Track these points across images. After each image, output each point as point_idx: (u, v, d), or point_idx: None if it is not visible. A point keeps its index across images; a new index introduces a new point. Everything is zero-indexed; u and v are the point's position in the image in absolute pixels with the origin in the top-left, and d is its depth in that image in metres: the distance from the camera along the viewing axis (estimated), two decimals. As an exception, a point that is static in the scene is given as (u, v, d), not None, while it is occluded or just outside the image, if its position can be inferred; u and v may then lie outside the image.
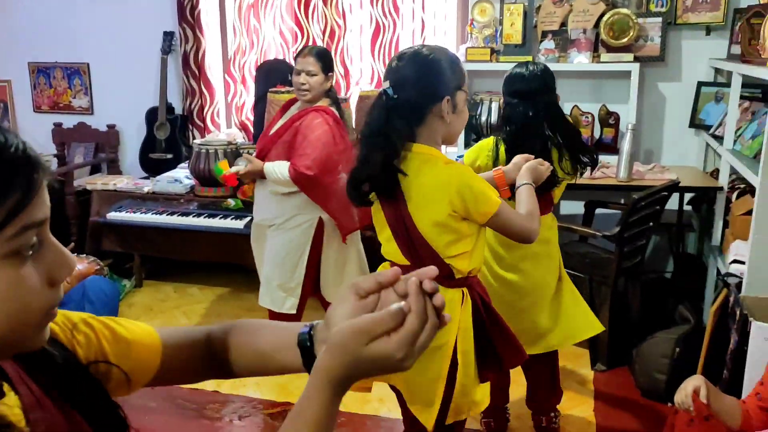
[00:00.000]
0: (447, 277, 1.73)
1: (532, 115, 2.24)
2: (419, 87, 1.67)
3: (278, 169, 2.69)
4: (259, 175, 2.75)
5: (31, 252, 0.59)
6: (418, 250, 1.72)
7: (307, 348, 0.78)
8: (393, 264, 1.77)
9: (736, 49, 3.27)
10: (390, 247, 1.79)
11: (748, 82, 3.15)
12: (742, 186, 3.08)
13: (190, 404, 2.83)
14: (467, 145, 3.87)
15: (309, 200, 2.75)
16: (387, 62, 4.12)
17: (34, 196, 0.58)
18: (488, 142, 2.34)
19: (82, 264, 3.63)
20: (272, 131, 2.84)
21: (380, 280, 0.70)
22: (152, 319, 3.66)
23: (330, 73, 2.77)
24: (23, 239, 0.58)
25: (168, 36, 4.38)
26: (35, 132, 4.70)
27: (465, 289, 1.76)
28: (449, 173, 1.70)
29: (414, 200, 1.70)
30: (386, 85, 1.68)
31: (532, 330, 2.33)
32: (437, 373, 1.73)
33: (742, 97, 3.21)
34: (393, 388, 1.87)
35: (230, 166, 3.04)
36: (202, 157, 3.82)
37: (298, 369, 0.80)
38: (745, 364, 2.31)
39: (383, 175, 1.69)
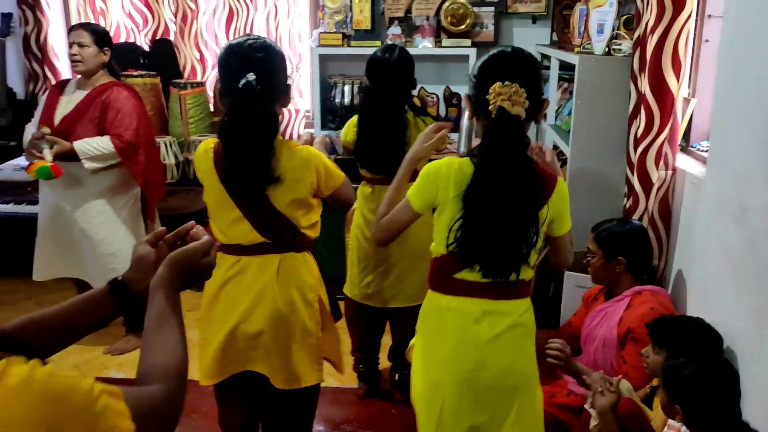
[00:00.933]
0: (305, 243, 1.93)
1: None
2: (274, 76, 1.78)
3: (95, 144, 2.75)
4: (68, 155, 2.73)
5: None
6: (276, 227, 1.85)
7: (123, 290, 1.04)
8: (240, 245, 1.85)
9: (556, 37, 3.69)
10: (238, 229, 1.84)
11: (566, 66, 3.57)
12: (564, 158, 3.50)
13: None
14: (323, 126, 4.05)
15: (124, 178, 2.89)
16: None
17: None
18: (353, 120, 2.63)
19: None
20: (61, 113, 2.84)
21: (177, 232, 1.10)
22: (3, 312, 3.52)
23: (105, 48, 2.85)
24: None
25: (6, 17, 4.15)
26: None
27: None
28: (307, 154, 1.85)
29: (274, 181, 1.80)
30: (251, 77, 1.70)
31: (395, 285, 2.61)
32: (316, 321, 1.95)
33: (561, 79, 3.62)
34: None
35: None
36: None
37: (107, 317, 1.04)
38: (560, 308, 2.70)
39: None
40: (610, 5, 2.78)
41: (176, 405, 0.90)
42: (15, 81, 4.25)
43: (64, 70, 4.30)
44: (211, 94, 4.19)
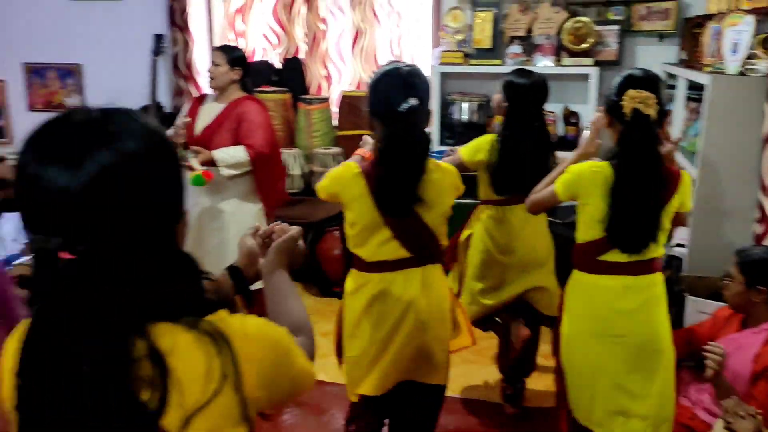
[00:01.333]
0: (441, 254, 2.05)
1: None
2: (427, 100, 1.93)
3: (232, 152, 2.99)
4: (206, 163, 2.98)
5: None
6: (423, 242, 1.96)
7: (240, 274, 1.23)
8: (385, 261, 1.94)
9: (685, 55, 3.60)
10: (388, 248, 1.92)
11: (694, 86, 3.47)
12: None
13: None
14: (442, 142, 4.15)
15: (252, 187, 3.11)
16: (367, 64, 4.41)
17: None
18: (486, 141, 2.65)
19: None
20: (202, 124, 3.11)
21: (270, 229, 1.27)
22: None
23: (236, 68, 3.11)
24: None
25: (158, 38, 4.60)
26: (29, 129, 4.89)
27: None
28: (447, 170, 1.99)
29: (425, 199, 1.91)
30: (413, 101, 1.82)
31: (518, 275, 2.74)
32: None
33: (689, 99, 3.52)
34: None
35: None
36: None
37: (228, 299, 1.20)
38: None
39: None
40: (747, 24, 2.70)
41: (314, 351, 1.13)
42: (164, 95, 4.69)
43: (205, 86, 4.69)
44: (335, 109, 4.42)
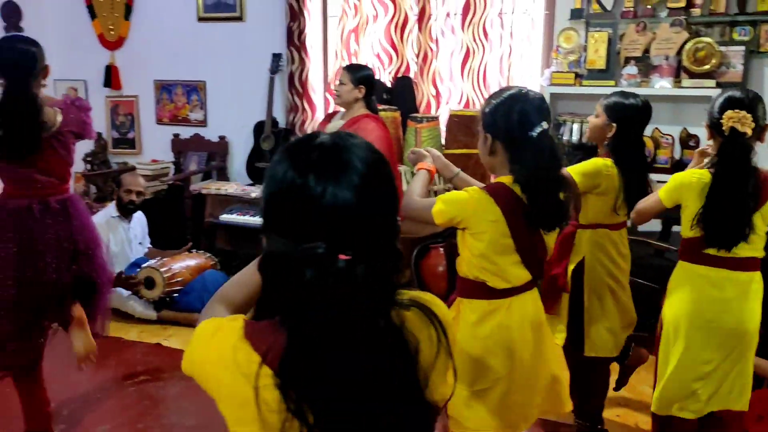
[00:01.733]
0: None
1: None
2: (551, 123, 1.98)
3: None
4: None
5: None
6: (543, 264, 1.99)
7: None
8: (513, 287, 1.94)
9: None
10: (515, 272, 1.92)
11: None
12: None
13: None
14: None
15: None
16: (477, 84, 4.45)
17: None
18: (600, 163, 2.56)
19: (200, 259, 4.11)
20: None
21: None
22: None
23: (360, 86, 3.30)
24: None
25: (276, 57, 4.85)
26: (157, 141, 5.29)
27: None
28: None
29: None
30: (545, 125, 1.86)
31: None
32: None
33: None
34: None
35: None
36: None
37: None
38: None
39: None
40: None
41: None
42: (279, 111, 4.93)
43: (319, 104, 4.89)
44: (443, 128, 4.48)
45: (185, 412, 3.05)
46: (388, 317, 0.94)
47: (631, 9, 3.96)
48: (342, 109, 3.53)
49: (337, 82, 3.33)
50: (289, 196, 0.91)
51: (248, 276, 1.22)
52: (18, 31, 5.30)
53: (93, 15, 5.36)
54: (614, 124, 2.56)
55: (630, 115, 2.56)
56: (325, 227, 0.89)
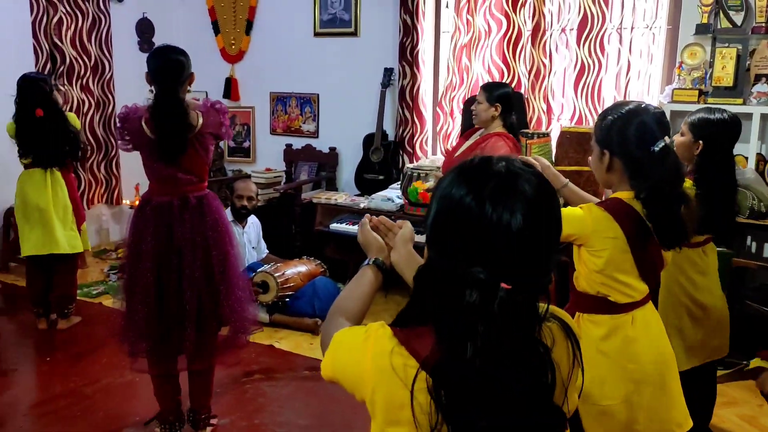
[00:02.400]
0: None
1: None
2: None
3: None
4: None
5: None
6: (660, 277, 1.98)
7: (385, 267, 1.38)
8: (635, 301, 1.92)
9: None
10: (636, 286, 1.89)
11: None
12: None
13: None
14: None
15: None
16: (591, 100, 4.37)
17: None
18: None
19: (311, 266, 4.25)
20: (457, 153, 3.40)
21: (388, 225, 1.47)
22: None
23: (496, 104, 3.36)
24: None
25: (388, 72, 4.96)
26: (270, 151, 5.53)
27: None
28: None
29: None
30: (667, 140, 1.85)
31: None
32: None
33: None
34: None
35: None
36: (414, 179, 4.31)
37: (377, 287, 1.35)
38: None
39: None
40: None
41: None
42: (388, 125, 5.03)
43: (428, 119, 4.96)
44: (554, 145, 4.43)
45: (298, 411, 3.16)
46: (537, 333, 0.98)
47: (763, 24, 3.77)
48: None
49: (476, 102, 3.43)
50: (462, 219, 0.95)
51: (362, 289, 1.34)
52: (150, 44, 5.69)
53: (217, 30, 5.69)
54: (700, 142, 2.46)
55: (716, 132, 2.46)
56: (492, 252, 0.93)
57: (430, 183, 3.30)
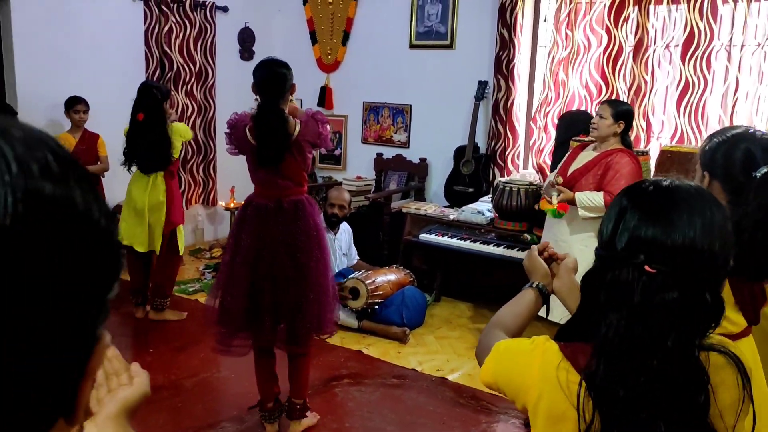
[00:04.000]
0: None
1: None
2: None
3: (590, 197, 3.24)
4: (569, 203, 3.30)
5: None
6: (759, 312, 1.87)
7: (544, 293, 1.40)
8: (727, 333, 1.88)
9: None
10: (735, 318, 1.82)
11: None
12: None
13: (492, 407, 3.25)
14: None
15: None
16: (694, 119, 4.23)
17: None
18: None
19: (400, 274, 4.30)
20: (574, 168, 3.39)
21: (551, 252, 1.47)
22: (452, 330, 4.20)
23: (620, 121, 3.31)
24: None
25: (482, 85, 4.96)
26: (361, 159, 5.63)
27: None
28: None
29: None
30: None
31: None
32: None
33: None
34: None
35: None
36: (506, 193, 4.29)
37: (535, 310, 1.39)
38: None
39: None
40: None
41: None
42: (480, 137, 5.03)
43: (521, 132, 4.93)
44: (652, 163, 4.31)
45: (386, 418, 3.20)
46: (696, 357, 1.01)
47: None
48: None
49: (597, 116, 3.40)
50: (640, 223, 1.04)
51: (521, 309, 1.39)
52: (250, 53, 5.92)
53: (314, 40, 5.86)
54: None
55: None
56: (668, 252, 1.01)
57: (555, 196, 3.31)
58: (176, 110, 5.39)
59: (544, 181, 4.76)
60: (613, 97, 4.58)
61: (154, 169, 4.00)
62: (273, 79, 2.70)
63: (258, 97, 2.74)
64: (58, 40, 4.64)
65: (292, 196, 2.78)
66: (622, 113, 3.34)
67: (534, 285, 1.42)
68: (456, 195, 5.00)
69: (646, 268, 0.98)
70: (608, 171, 3.26)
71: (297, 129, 2.70)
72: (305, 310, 2.78)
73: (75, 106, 4.45)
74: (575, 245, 3.30)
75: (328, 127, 2.85)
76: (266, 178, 2.76)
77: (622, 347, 0.99)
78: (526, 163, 5.00)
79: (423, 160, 5.32)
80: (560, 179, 3.39)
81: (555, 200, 3.30)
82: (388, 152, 5.51)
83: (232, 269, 2.81)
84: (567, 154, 3.61)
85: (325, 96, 5.80)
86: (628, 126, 3.37)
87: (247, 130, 2.71)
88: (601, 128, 3.33)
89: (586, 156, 3.40)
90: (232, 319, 2.82)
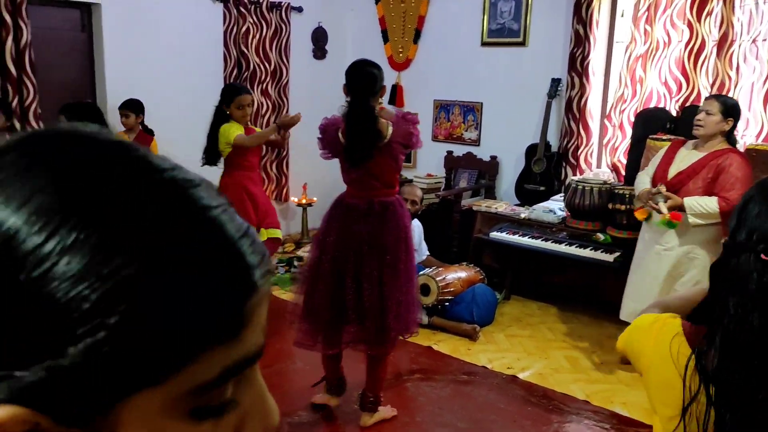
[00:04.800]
0: None
1: None
2: None
3: (702, 202, 3.03)
4: (678, 208, 3.09)
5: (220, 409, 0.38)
6: None
7: None
8: None
9: None
10: None
11: None
12: None
13: (564, 406, 3.23)
14: None
15: (716, 235, 3.01)
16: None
17: (247, 323, 0.38)
18: None
19: (470, 272, 4.32)
20: (676, 170, 3.21)
21: None
22: (522, 329, 4.19)
23: (729, 119, 3.09)
24: (212, 395, 0.37)
25: (555, 82, 4.90)
26: (431, 157, 5.66)
27: None
28: None
29: None
30: None
31: None
32: None
33: None
34: None
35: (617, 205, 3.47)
36: (578, 192, 4.23)
37: None
38: None
39: None
40: None
41: None
42: (552, 135, 4.97)
43: (595, 131, 4.84)
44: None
45: (457, 414, 3.23)
46: None
47: None
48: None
49: (703, 113, 3.18)
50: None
51: (690, 293, 1.43)
52: (323, 52, 6.04)
53: (386, 39, 5.92)
54: None
55: None
56: None
57: (661, 202, 3.08)
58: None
59: (619, 180, 4.66)
60: (694, 94, 4.44)
61: (207, 163, 3.95)
62: (364, 78, 2.74)
63: (348, 97, 2.79)
64: (143, 42, 4.87)
65: (383, 197, 2.81)
66: (731, 109, 3.11)
67: None
68: (527, 193, 4.96)
69: (763, 256, 1.02)
70: (720, 174, 3.05)
71: (390, 130, 2.73)
72: (392, 311, 2.81)
73: (123, 110, 4.50)
74: (688, 254, 3.15)
75: (419, 127, 2.88)
76: (357, 178, 2.81)
77: (737, 332, 1.03)
78: (600, 161, 4.91)
79: (494, 158, 5.30)
80: (663, 187, 3.17)
81: (664, 208, 3.05)
82: (459, 150, 5.51)
83: (318, 267, 2.87)
84: (660, 156, 3.40)
85: (396, 94, 5.85)
86: (736, 123, 3.14)
87: (340, 132, 2.78)
88: (708, 125, 3.10)
89: (689, 157, 3.19)
90: (316, 316, 2.89)
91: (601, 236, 4.19)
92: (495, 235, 4.52)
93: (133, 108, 4.56)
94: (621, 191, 4.11)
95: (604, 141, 4.83)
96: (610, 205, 4.14)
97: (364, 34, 6.04)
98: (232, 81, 5.20)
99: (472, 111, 5.45)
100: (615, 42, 4.82)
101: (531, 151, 5.00)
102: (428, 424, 3.15)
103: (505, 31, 5.19)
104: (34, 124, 4.39)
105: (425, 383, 3.52)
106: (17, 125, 4.30)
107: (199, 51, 5.24)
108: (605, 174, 4.71)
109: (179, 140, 4.27)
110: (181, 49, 5.09)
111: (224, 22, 5.41)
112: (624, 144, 4.70)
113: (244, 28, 5.49)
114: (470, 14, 5.33)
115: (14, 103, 4.29)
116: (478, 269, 4.38)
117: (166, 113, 4.85)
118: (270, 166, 5.93)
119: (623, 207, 4.05)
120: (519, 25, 5.10)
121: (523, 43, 5.10)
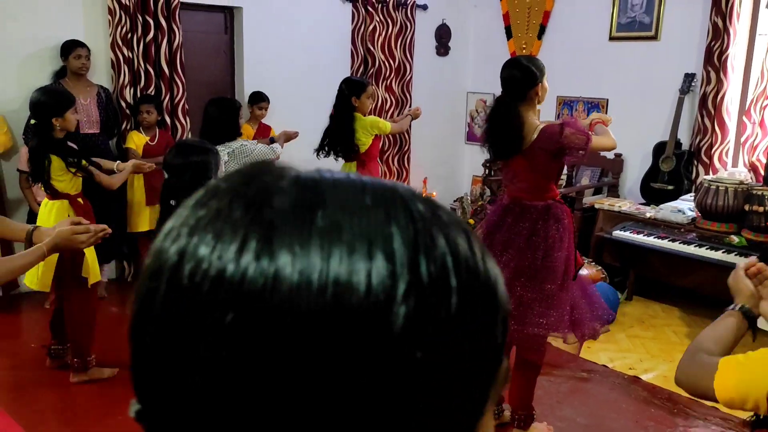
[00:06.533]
0: None
1: None
2: None
3: None
4: None
5: None
6: None
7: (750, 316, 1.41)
8: None
9: None
10: None
11: None
12: None
13: (691, 411, 3.15)
14: None
15: None
16: None
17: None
18: None
19: (591, 270, 4.27)
20: None
21: None
22: (645, 330, 4.10)
23: None
24: None
25: (689, 77, 4.72)
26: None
27: None
28: None
29: None
30: None
31: None
32: None
33: None
34: None
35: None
36: (711, 192, 4.07)
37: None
38: None
39: None
40: None
41: None
42: (683, 133, 4.79)
43: (732, 128, 4.61)
44: None
45: (576, 409, 3.24)
46: None
47: None
48: None
49: None
50: None
51: (723, 333, 1.38)
52: (446, 48, 6.14)
53: (509, 35, 5.93)
54: None
55: None
56: None
57: None
58: (374, 103, 5.74)
59: (757, 180, 4.42)
60: None
61: (344, 158, 4.10)
62: (509, 80, 2.72)
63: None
64: (278, 42, 5.18)
65: (530, 200, 2.75)
66: None
67: (737, 308, 1.37)
68: (653, 192, 4.82)
69: None
70: None
71: (534, 135, 2.65)
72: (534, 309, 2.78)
73: (259, 102, 4.85)
74: None
75: (569, 132, 2.59)
76: (507, 177, 2.87)
77: None
78: (736, 160, 4.68)
79: (618, 155, 5.17)
80: None
81: None
82: (581, 146, 5.42)
83: None
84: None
85: (517, 90, 5.83)
86: None
87: None
88: None
89: None
90: None
91: (735, 239, 4.01)
92: (618, 233, 4.43)
93: (268, 101, 4.91)
94: (759, 192, 3.92)
95: (742, 139, 4.59)
96: (746, 207, 3.95)
97: (487, 31, 6.07)
98: (353, 76, 5.40)
99: (596, 107, 5.35)
100: (757, 34, 4.56)
101: (659, 148, 4.85)
102: (547, 416, 3.17)
103: (636, 25, 5.04)
104: (182, 119, 4.81)
105: (544, 378, 3.53)
106: (167, 120, 4.74)
107: (329, 49, 5.50)
108: (741, 174, 4.48)
109: (307, 135, 4.47)
110: (312, 48, 5.37)
111: (353, 21, 5.64)
112: (764, 143, 4.46)
113: (371, 27, 5.70)
114: (599, 8, 5.23)
115: (165, 100, 4.73)
116: (600, 268, 4.33)
117: (296, 109, 5.14)
118: (392, 161, 6.12)
119: (761, 209, 3.86)
120: (651, 19, 4.95)
121: (654, 37, 4.95)
